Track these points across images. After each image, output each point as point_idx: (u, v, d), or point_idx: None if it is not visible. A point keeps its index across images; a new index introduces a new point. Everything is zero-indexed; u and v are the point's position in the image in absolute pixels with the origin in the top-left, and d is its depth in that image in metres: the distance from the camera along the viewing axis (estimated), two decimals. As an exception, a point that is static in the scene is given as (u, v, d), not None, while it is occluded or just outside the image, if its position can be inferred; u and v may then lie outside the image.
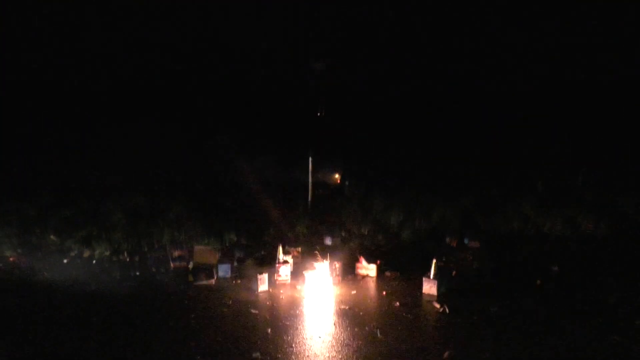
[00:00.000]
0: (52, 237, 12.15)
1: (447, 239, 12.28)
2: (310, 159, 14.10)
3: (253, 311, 8.54)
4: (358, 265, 10.77)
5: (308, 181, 14.39)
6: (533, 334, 7.51)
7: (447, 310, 8.50)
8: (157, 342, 7.22)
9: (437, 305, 8.75)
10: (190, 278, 10.08)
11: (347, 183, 16.41)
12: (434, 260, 9.41)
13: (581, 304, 8.70)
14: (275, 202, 14.05)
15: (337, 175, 16.81)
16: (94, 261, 11.28)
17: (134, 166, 15.96)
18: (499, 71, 18.25)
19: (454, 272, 10.33)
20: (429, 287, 9.34)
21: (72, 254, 11.62)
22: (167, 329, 7.67)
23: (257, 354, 6.82)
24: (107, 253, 11.59)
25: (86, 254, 11.65)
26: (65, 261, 11.19)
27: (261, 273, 9.70)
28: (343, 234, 12.63)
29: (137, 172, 15.64)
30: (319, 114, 15.91)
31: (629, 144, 16.93)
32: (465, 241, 12.08)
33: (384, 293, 9.47)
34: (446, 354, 6.73)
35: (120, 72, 17.16)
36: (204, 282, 9.90)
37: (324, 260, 10.11)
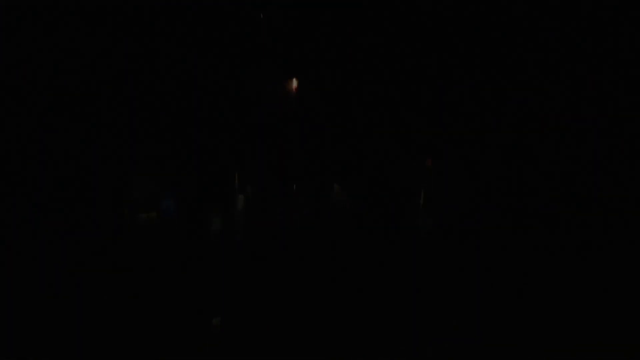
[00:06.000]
0: None
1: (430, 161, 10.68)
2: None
3: (206, 261, 6.87)
4: (334, 192, 9.20)
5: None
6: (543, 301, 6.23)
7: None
8: (88, 288, 5.50)
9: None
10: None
11: (312, 93, 14.43)
12: (422, 189, 7.88)
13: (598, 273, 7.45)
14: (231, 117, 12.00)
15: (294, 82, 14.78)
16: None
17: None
18: None
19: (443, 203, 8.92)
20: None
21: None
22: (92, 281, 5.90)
23: (217, 320, 5.24)
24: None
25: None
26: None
27: (214, 212, 7.93)
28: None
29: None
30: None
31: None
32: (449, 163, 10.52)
33: (363, 226, 8.03)
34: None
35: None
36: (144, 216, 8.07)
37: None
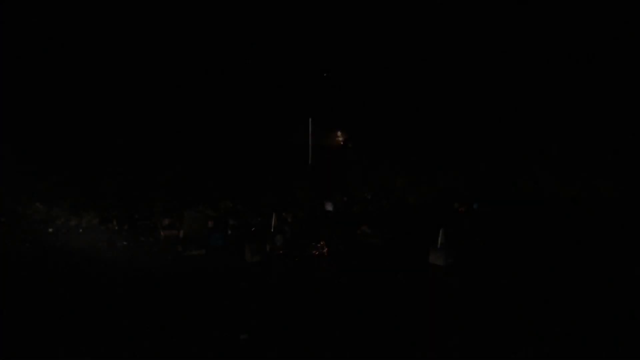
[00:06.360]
0: (38, 204, 11.45)
1: (456, 205, 11.42)
2: (310, 119, 13.15)
3: (243, 285, 7.83)
4: (360, 232, 10.01)
5: (308, 143, 13.50)
6: (549, 310, 6.73)
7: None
8: (136, 319, 6.54)
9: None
10: (179, 248, 9.39)
11: (350, 145, 15.48)
12: (441, 228, 8.61)
13: (602, 274, 7.90)
14: (273, 165, 13.20)
15: (339, 136, 15.87)
16: (81, 230, 10.61)
17: (123, 129, 15.09)
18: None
19: (462, 241, 9.52)
20: (436, 257, 8.57)
21: (59, 222, 10.94)
22: (147, 305, 6.97)
23: (244, 336, 6.12)
24: (95, 221, 10.90)
25: (73, 222, 10.98)
26: (50, 230, 10.53)
27: (254, 242, 8.96)
28: (345, 199, 11.81)
29: (126, 136, 14.79)
30: (324, 74, 14.86)
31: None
32: (475, 207, 11.22)
33: (388, 263, 8.73)
34: (453, 341, 5.97)
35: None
36: (194, 252, 9.21)
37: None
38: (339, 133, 16.01)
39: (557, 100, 16.18)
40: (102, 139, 14.77)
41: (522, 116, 16.22)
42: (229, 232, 9.98)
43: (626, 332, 6.05)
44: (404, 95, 17.23)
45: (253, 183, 12.19)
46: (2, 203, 11.39)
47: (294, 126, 14.17)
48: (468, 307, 6.96)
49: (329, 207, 11.15)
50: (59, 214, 11.25)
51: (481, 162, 13.20)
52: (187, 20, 15.34)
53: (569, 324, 6.37)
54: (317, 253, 8.85)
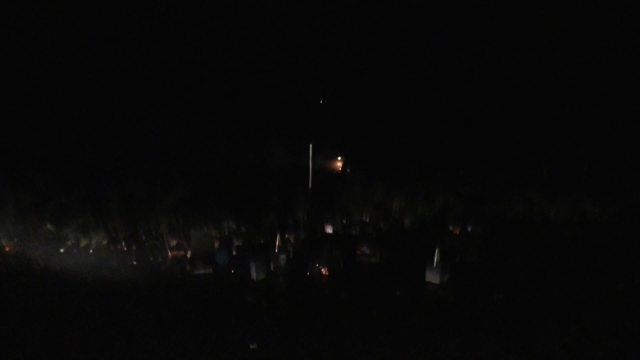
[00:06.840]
0: (48, 226, 11.92)
1: (450, 226, 11.99)
2: (310, 145, 13.79)
3: (250, 299, 8.31)
4: (359, 253, 10.51)
5: (308, 167, 14.10)
6: (539, 324, 7.26)
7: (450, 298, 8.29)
8: (152, 332, 7.02)
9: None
10: (188, 267, 9.86)
11: (348, 169, 16.13)
12: (437, 248, 9.13)
13: (588, 292, 8.44)
14: (276, 188, 13.80)
15: (338, 162, 16.57)
16: (91, 250, 11.07)
17: (131, 151, 15.68)
18: (500, 59, 17.83)
19: (457, 260, 10.04)
20: (432, 275, 9.08)
21: (69, 243, 11.41)
22: (160, 318, 7.46)
23: (254, 345, 6.59)
24: (104, 242, 11.37)
25: (83, 243, 11.44)
26: (61, 250, 10.98)
27: (259, 261, 9.45)
28: (344, 221, 12.36)
29: (134, 158, 15.39)
30: (321, 101, 15.65)
31: (637, 131, 16.51)
32: (469, 228, 11.79)
33: (386, 281, 9.23)
34: (451, 347, 6.48)
35: (120, 63, 16.83)
36: (202, 271, 9.69)
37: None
38: (338, 158, 16.69)
39: (549, 124, 16.98)
40: (110, 162, 15.31)
41: (514, 140, 16.99)
42: (234, 252, 10.46)
43: (615, 347, 6.55)
44: (399, 123, 17.99)
45: (256, 206, 12.73)
46: (13, 224, 11.84)
47: (295, 152, 14.84)
48: (462, 319, 7.46)
49: (329, 229, 11.70)
50: (69, 235, 11.69)
51: (474, 186, 13.82)
52: (198, 51, 16.12)
53: (559, 338, 6.88)
54: (318, 272, 9.33)
